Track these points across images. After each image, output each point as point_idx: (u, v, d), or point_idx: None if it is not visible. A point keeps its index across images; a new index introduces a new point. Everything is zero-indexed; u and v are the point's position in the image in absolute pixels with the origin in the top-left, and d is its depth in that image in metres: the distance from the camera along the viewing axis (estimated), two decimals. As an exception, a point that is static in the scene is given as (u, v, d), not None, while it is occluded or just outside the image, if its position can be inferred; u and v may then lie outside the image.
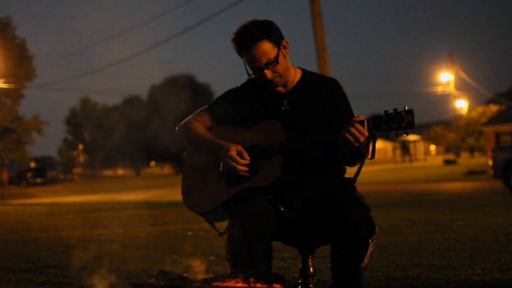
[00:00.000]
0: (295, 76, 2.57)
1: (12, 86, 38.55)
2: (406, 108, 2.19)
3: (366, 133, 2.23)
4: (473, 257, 4.40)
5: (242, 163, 2.41)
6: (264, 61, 2.43)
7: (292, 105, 2.54)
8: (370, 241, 2.30)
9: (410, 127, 2.18)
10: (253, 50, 2.42)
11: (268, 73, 2.45)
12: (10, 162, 45.67)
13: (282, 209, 2.42)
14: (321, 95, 2.53)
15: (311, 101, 2.53)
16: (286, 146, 2.39)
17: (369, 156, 2.33)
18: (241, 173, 2.42)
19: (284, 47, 2.49)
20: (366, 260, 2.30)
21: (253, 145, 2.48)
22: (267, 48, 2.42)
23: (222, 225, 2.54)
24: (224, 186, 2.49)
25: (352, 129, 2.23)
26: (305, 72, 2.61)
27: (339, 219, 2.28)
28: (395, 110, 2.21)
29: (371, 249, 2.32)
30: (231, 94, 2.64)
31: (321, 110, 2.51)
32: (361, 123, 2.24)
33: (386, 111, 2.24)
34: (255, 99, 2.58)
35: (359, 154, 2.37)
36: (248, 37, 2.42)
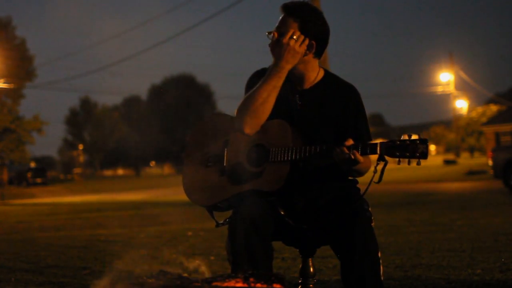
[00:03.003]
0: (317, 76, 2.53)
1: (12, 86, 38.54)
2: (421, 137, 2.17)
3: (352, 157, 2.24)
4: (473, 257, 4.40)
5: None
6: (279, 30, 2.44)
7: (306, 104, 2.51)
8: (379, 255, 2.26)
9: (424, 157, 2.16)
10: (283, 16, 2.46)
11: (273, 38, 2.45)
12: (10, 162, 45.59)
13: (282, 213, 2.40)
14: (336, 100, 2.49)
15: (325, 103, 2.50)
16: (293, 155, 2.35)
17: (376, 180, 2.30)
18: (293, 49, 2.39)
19: (310, 46, 2.44)
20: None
21: (258, 144, 2.45)
22: (290, 26, 2.42)
23: (222, 215, 2.53)
24: (227, 182, 2.47)
25: (337, 152, 2.26)
26: (327, 74, 2.57)
27: (345, 234, 2.26)
28: (410, 138, 2.18)
29: (382, 267, 2.28)
30: (256, 76, 2.58)
31: (331, 114, 2.48)
32: (349, 148, 2.24)
33: (400, 139, 2.20)
34: None
35: (355, 171, 2.40)
36: (290, 6, 2.45)
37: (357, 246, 2.23)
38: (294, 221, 2.43)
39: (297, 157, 2.34)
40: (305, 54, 2.45)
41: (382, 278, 2.26)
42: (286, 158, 2.36)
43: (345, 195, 2.40)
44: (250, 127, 2.43)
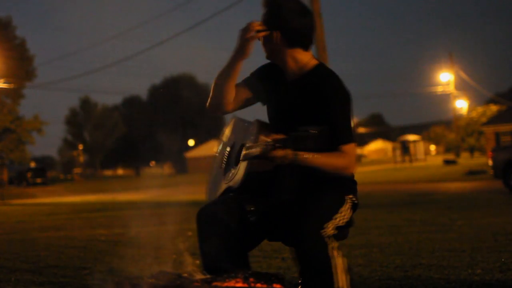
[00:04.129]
0: (303, 68, 2.51)
1: (12, 86, 38.55)
2: (312, 131, 2.17)
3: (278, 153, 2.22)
4: (473, 257, 4.40)
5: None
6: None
7: (289, 97, 2.52)
8: (329, 254, 2.24)
9: (311, 151, 2.21)
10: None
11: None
12: (10, 162, 45.66)
13: (250, 209, 2.46)
14: (312, 94, 2.44)
15: (302, 97, 2.48)
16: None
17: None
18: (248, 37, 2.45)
19: (270, 37, 2.48)
20: (340, 277, 2.24)
21: (243, 143, 2.54)
22: (262, 17, 2.49)
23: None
24: (222, 181, 2.66)
25: (263, 147, 2.27)
26: (317, 67, 2.51)
27: (290, 231, 2.28)
28: (307, 131, 2.18)
29: (340, 262, 2.25)
30: (260, 68, 2.66)
31: (306, 108, 2.45)
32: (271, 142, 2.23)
33: (300, 131, 2.19)
34: (269, 80, 2.60)
35: (319, 169, 2.34)
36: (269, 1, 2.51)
37: (304, 260, 2.25)
38: (257, 220, 2.47)
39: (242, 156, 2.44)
40: (274, 44, 2.48)
41: (343, 278, 2.25)
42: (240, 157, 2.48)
43: (310, 201, 2.37)
44: (209, 106, 2.60)
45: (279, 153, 2.20)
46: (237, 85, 2.58)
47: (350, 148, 2.35)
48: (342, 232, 2.46)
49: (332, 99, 2.39)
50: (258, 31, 2.45)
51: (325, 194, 2.40)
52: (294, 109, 2.48)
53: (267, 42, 2.49)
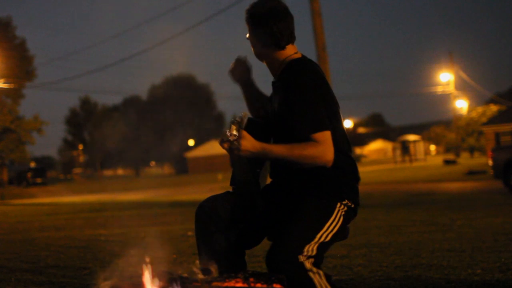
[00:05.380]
0: (281, 65, 2.48)
1: (12, 86, 38.54)
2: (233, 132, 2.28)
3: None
4: (473, 257, 4.40)
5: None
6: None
7: (272, 94, 2.56)
8: (310, 276, 2.18)
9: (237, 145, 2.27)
10: None
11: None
12: (10, 162, 45.63)
13: (247, 204, 2.48)
14: (279, 91, 2.44)
15: (275, 96, 2.50)
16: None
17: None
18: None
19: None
20: None
21: None
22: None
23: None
24: None
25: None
26: (290, 62, 2.46)
27: (267, 256, 2.26)
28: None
29: (319, 278, 2.19)
30: None
31: (277, 107, 2.45)
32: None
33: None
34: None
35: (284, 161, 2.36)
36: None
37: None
38: (251, 218, 2.50)
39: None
40: (254, 47, 2.53)
41: None
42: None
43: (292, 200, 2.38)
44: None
45: (225, 146, 2.28)
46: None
47: (321, 136, 2.26)
48: (342, 233, 2.43)
49: (291, 90, 2.35)
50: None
51: (308, 208, 2.32)
52: (274, 107, 2.49)
53: (252, 46, 2.54)
